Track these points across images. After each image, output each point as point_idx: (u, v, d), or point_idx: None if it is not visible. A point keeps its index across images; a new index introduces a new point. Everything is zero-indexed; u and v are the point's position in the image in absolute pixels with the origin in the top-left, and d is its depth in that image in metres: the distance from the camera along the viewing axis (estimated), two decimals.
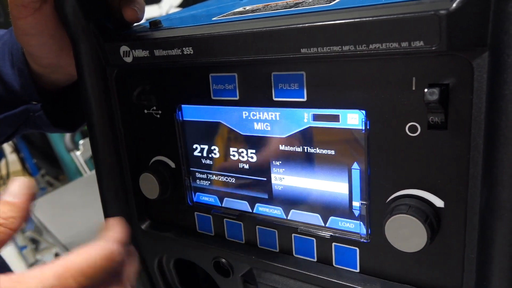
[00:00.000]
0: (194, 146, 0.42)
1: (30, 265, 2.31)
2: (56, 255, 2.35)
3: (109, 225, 0.31)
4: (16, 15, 0.41)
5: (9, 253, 2.26)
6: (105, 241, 0.29)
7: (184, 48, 0.35)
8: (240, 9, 0.41)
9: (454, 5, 0.24)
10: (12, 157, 2.63)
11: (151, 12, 1.98)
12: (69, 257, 0.26)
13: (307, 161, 0.36)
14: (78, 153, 1.49)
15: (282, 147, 0.37)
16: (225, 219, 0.43)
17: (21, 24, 0.41)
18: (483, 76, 0.26)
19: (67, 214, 1.11)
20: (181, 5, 1.98)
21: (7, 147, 2.57)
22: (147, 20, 0.45)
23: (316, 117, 0.34)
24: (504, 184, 0.26)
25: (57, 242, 1.02)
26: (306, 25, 0.29)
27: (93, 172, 1.46)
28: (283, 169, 0.37)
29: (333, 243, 0.37)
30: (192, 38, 0.35)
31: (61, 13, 0.41)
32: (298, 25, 0.29)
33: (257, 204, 0.40)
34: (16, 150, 2.58)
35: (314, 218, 0.37)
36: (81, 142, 1.54)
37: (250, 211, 0.41)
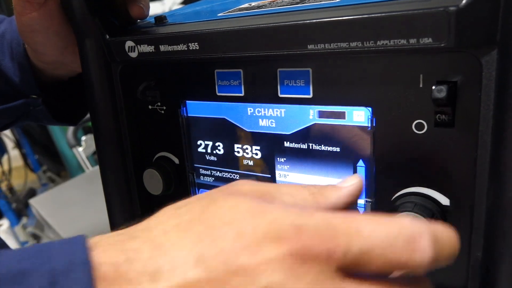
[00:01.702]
0: (198, 142, 0.42)
1: None
2: None
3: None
4: (20, 11, 0.40)
5: None
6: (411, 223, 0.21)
7: (189, 44, 0.35)
8: (246, 5, 0.41)
9: (464, 1, 0.24)
10: (14, 152, 2.64)
11: (154, 9, 1.98)
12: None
13: (312, 158, 0.36)
14: (80, 149, 1.50)
15: (287, 144, 0.37)
16: None
17: (25, 21, 0.41)
18: (492, 74, 0.26)
19: (69, 210, 1.11)
20: (184, 2, 1.98)
21: (9, 142, 2.57)
22: (150, 16, 0.45)
23: (321, 114, 0.34)
24: (511, 183, 0.26)
25: (59, 238, 1.02)
26: (314, 21, 0.29)
27: (95, 168, 1.46)
28: (288, 166, 0.37)
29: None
30: (198, 34, 0.35)
31: (67, 8, 0.41)
32: (305, 21, 0.29)
33: None
34: (18, 145, 2.58)
35: None
36: (83, 138, 1.54)
37: None
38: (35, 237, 2.42)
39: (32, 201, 1.20)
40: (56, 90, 0.51)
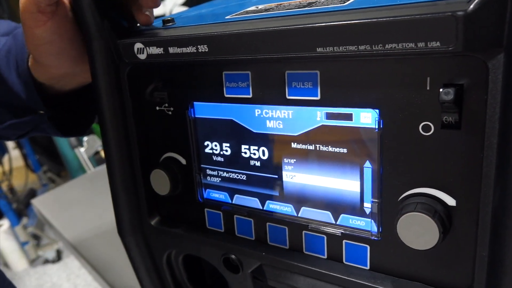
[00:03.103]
0: (206, 143, 0.43)
1: (32, 260, 2.32)
2: (57, 251, 2.36)
3: None
4: (33, 24, 0.40)
5: (11, 249, 2.27)
6: None
7: (199, 46, 0.36)
8: (253, 8, 0.41)
9: (471, 6, 0.25)
10: (15, 153, 2.64)
11: (155, 10, 1.98)
12: None
13: (319, 159, 0.36)
14: (82, 149, 1.50)
15: (294, 145, 0.37)
16: (235, 216, 0.43)
17: (40, 33, 0.41)
18: (498, 77, 0.26)
19: (71, 210, 1.12)
20: (185, 3, 1.98)
21: (10, 143, 2.57)
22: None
23: (329, 116, 0.34)
24: None
25: (61, 238, 1.03)
26: (323, 24, 0.29)
27: (97, 169, 1.46)
28: (295, 167, 0.38)
29: (344, 241, 0.37)
30: (208, 36, 0.35)
31: (77, 11, 0.41)
32: (315, 25, 0.30)
33: (267, 201, 0.40)
34: (19, 146, 2.58)
35: (325, 216, 0.37)
36: (85, 139, 1.54)
37: (261, 208, 0.41)
38: (35, 237, 2.42)
39: (34, 201, 1.20)
40: (61, 104, 0.51)
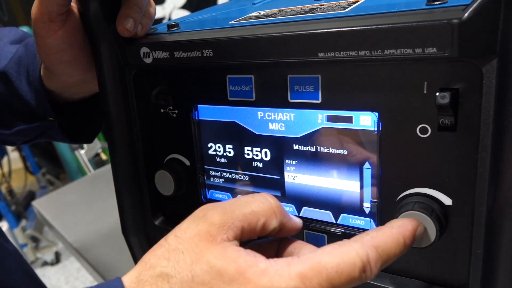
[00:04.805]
0: (209, 144, 0.44)
1: (31, 263, 2.32)
2: (56, 254, 2.36)
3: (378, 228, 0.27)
4: (44, 34, 0.41)
5: None
6: (361, 246, 0.25)
7: (204, 50, 0.37)
8: (256, 13, 0.43)
9: (466, 14, 0.26)
10: (14, 155, 2.64)
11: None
12: (320, 257, 0.24)
13: (319, 160, 0.37)
14: (82, 152, 1.51)
15: (295, 147, 0.38)
16: None
17: (51, 42, 0.42)
18: (492, 82, 0.27)
19: (72, 212, 1.12)
20: (184, 6, 2.00)
21: None
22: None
23: (330, 118, 0.36)
24: (510, 184, 0.28)
25: (62, 239, 1.03)
26: (325, 30, 0.31)
27: (97, 171, 1.47)
28: (296, 168, 0.39)
29: (344, 239, 0.38)
30: (212, 41, 0.36)
31: (84, 15, 0.42)
32: (316, 31, 0.31)
33: None
34: (18, 148, 2.59)
35: (326, 215, 0.39)
36: None
37: None
38: (34, 239, 2.42)
39: (35, 203, 1.21)
40: (70, 111, 0.52)
